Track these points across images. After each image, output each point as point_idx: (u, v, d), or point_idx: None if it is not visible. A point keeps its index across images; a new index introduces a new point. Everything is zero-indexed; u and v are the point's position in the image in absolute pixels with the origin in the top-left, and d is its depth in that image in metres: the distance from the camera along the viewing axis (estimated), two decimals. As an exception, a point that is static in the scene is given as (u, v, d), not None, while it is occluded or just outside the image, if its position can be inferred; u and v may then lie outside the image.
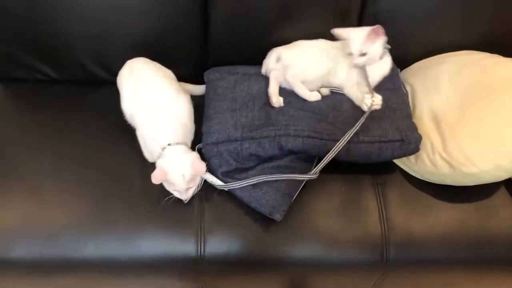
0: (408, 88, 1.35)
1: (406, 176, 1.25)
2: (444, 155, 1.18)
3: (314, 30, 1.34)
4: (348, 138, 1.14)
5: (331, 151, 1.14)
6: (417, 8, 1.36)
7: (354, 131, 1.15)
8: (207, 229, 1.14)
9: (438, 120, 1.23)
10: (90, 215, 1.15)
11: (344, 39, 1.22)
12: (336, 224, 1.18)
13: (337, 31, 1.22)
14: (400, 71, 1.41)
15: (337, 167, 1.18)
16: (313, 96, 1.24)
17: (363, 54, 1.21)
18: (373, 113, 1.21)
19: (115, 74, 1.34)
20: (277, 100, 1.24)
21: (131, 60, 1.26)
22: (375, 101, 1.19)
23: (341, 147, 1.13)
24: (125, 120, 1.25)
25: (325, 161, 1.14)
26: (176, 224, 1.14)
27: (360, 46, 1.20)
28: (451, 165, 1.17)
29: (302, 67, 1.25)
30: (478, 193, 1.22)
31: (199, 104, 1.29)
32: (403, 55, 1.42)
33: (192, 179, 1.11)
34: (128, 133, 1.23)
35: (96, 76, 1.39)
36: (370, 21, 1.35)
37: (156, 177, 1.07)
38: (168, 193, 1.13)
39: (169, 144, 1.12)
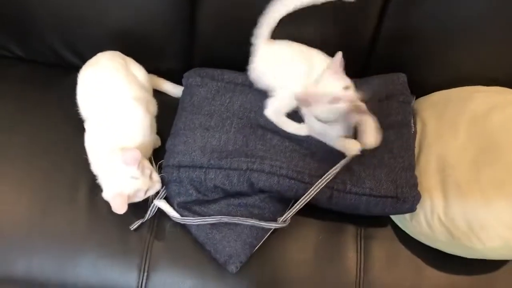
0: (418, 124, 1.13)
1: (397, 232, 1.06)
2: (444, 219, 0.98)
3: (318, 34, 1.13)
4: (320, 188, 0.96)
5: (300, 199, 0.96)
6: (448, 26, 1.12)
7: (326, 181, 0.97)
8: (152, 265, 0.99)
9: (445, 174, 1.02)
10: (27, 225, 1.02)
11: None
12: (304, 280, 1.01)
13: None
14: (416, 99, 1.19)
15: (316, 209, 1.01)
16: (302, 130, 1.04)
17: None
18: (370, 159, 1.02)
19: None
20: None
21: (102, 53, 1.09)
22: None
23: (312, 195, 0.96)
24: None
25: (296, 208, 0.97)
26: (119, 252, 1.00)
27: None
28: (450, 233, 0.97)
29: (289, 95, 1.02)
30: (479, 263, 1.01)
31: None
32: (422, 81, 1.21)
33: (141, 174, 0.94)
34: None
35: (67, 60, 1.24)
36: (388, 35, 1.14)
37: (119, 206, 0.91)
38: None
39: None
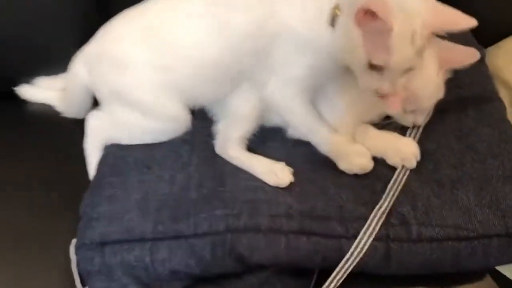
0: (501, 91, 0.73)
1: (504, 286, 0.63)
2: None
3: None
4: (369, 241, 0.54)
5: (337, 269, 0.53)
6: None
7: (377, 224, 0.55)
8: None
9: None
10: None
11: None
12: None
13: None
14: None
15: (364, 280, 0.60)
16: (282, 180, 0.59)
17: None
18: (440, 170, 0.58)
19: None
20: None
21: None
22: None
23: (359, 257, 0.53)
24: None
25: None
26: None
27: None
28: None
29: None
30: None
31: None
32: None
33: None
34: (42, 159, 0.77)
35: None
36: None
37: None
38: None
39: None
